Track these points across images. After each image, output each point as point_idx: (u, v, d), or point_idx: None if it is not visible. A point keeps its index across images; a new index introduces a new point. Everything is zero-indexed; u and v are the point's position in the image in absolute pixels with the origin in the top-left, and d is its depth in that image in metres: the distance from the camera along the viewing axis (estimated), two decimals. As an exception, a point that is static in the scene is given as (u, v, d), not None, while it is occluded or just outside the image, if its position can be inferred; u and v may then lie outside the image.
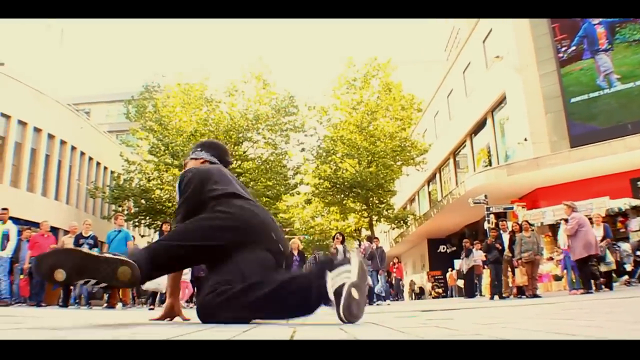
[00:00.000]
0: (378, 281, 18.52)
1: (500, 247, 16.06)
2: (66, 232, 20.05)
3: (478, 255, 19.76)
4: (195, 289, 17.54)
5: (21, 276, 16.87)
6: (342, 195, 33.20)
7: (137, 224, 33.66)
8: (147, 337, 1.98)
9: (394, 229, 38.36)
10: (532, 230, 15.53)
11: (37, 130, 31.79)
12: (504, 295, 15.69)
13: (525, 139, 24.05)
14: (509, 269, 16.04)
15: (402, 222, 35.26)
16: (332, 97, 34.35)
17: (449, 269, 33.20)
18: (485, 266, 18.89)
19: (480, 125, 30.60)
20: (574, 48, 23.92)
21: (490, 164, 28.52)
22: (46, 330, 2.55)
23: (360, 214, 34.78)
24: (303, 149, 34.42)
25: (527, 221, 16.23)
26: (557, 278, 20.42)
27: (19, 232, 15.75)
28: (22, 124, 30.61)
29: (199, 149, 4.33)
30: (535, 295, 14.09)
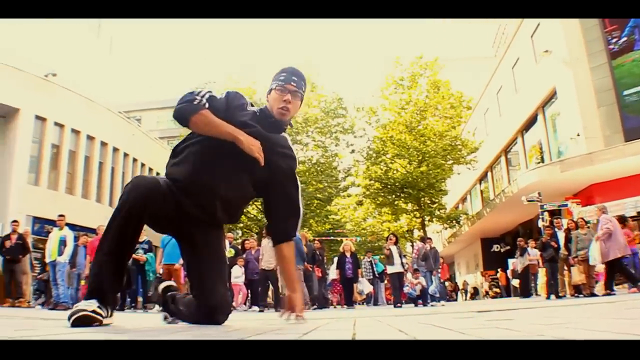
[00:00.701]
0: (432, 282, 18.45)
1: (556, 245, 15.83)
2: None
3: (533, 254, 19.50)
4: (250, 291, 17.74)
5: (82, 282, 17.27)
6: (394, 196, 33.13)
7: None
8: (151, 337, 2.00)
9: (446, 228, 38.12)
10: (588, 227, 15.24)
11: (90, 138, 32.42)
12: (560, 294, 15.47)
13: (578, 134, 23.63)
14: (565, 268, 15.82)
15: (454, 221, 35.04)
16: (381, 98, 34.30)
17: (499, 269, 32.75)
18: (540, 265, 18.61)
19: (531, 122, 30.17)
20: (625, 39, 23.40)
21: (542, 160, 28.11)
22: (102, 333, 2.63)
23: (412, 214, 34.63)
24: (353, 151, 34.46)
25: (582, 218, 15.99)
26: (615, 275, 20.08)
27: (75, 238, 16.12)
28: (76, 132, 31.25)
29: None
30: (592, 294, 13.88)
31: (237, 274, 16.75)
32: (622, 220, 17.45)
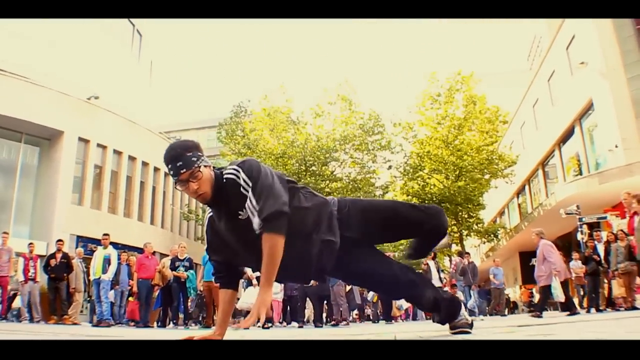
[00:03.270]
0: (471, 296, 18.29)
1: (598, 259, 15.60)
2: (164, 255, 20.62)
3: (576, 267, 19.22)
4: (289, 307, 17.74)
5: (130, 299, 17.47)
6: (431, 211, 32.96)
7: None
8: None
9: (484, 242, 37.82)
10: (628, 239, 15.02)
11: (131, 158, 32.92)
12: (600, 307, 15.22)
13: (616, 146, 23.31)
14: (605, 281, 15.59)
15: (492, 235, 34.77)
16: (417, 113, 34.20)
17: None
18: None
19: (568, 134, 29.85)
20: (661, 48, 23.15)
21: (580, 173, 27.77)
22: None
23: (450, 229, 34.43)
24: (390, 167, 34.36)
25: (622, 230, 15.71)
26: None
27: (119, 256, 16.31)
28: (118, 153, 31.77)
29: (199, 155, 3.42)
30: (634, 307, 13.63)
31: (276, 290, 16.78)
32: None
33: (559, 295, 13.48)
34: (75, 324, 15.23)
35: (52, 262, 15.50)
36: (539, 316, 12.55)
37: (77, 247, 23.11)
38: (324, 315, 17.99)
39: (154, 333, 7.29)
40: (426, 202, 32.07)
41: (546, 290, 13.56)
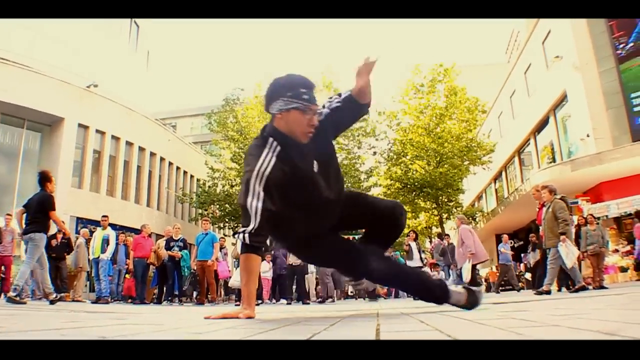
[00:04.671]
0: (450, 276, 18.44)
1: (567, 241, 15.77)
2: (160, 236, 20.66)
3: (533, 258, 19.44)
4: (278, 285, 17.85)
5: (127, 276, 17.55)
6: (413, 195, 33.03)
7: (221, 227, 34.38)
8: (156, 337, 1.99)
9: (463, 225, 37.96)
10: (597, 223, 15.23)
11: (129, 144, 32.82)
12: (571, 287, 15.41)
13: (588, 135, 23.50)
14: (576, 262, 15.77)
15: (470, 218, 34.92)
16: (401, 102, 34.22)
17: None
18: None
19: (543, 124, 30.00)
20: (631, 44, 23.25)
21: (554, 160, 27.92)
22: (147, 325, 2.70)
23: (430, 212, 34.54)
24: (375, 153, 34.50)
25: (592, 215, 15.91)
26: (623, 269, 19.93)
27: (117, 237, 16.38)
28: (116, 138, 31.67)
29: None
30: (601, 287, 13.82)
31: (265, 269, 16.90)
32: (639, 215, 17.44)
33: (466, 275, 13.85)
34: (78, 300, 15.31)
35: (53, 242, 15.50)
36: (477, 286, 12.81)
37: (76, 228, 23.13)
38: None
39: (151, 309, 7.38)
40: (408, 186, 32.26)
41: (472, 270, 13.96)
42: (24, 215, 9.92)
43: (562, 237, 10.12)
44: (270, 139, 3.38)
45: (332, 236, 3.76)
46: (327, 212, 3.58)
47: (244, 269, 3.37)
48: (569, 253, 10.15)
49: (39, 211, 9.64)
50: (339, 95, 3.71)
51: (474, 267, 14.42)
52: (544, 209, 11.01)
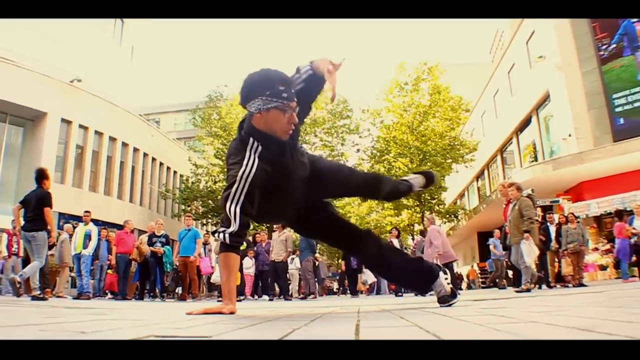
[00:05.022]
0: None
1: (544, 239, 15.87)
2: (142, 232, 20.55)
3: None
4: (260, 281, 17.82)
5: (109, 271, 17.43)
6: (396, 193, 33.11)
7: (204, 223, 34.33)
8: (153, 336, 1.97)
9: (445, 223, 38.10)
10: (578, 222, 15.33)
11: (112, 139, 32.67)
12: (551, 284, 15.50)
13: (570, 135, 23.65)
14: (556, 260, 15.88)
15: (452, 216, 35.08)
16: (385, 100, 34.27)
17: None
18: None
19: (525, 123, 30.16)
20: (614, 46, 23.43)
21: (536, 159, 28.07)
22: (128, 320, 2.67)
23: (413, 209, 34.60)
24: (358, 150, 34.59)
25: (572, 213, 16.02)
26: (603, 268, 20.09)
27: (99, 233, 16.26)
28: (99, 134, 31.51)
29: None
30: (581, 284, 13.91)
31: (248, 265, 16.86)
32: (618, 214, 17.63)
33: None
34: (60, 296, 15.17)
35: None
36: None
37: (59, 224, 22.94)
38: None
39: (132, 305, 7.31)
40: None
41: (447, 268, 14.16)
42: (21, 211, 10.16)
43: (525, 235, 10.18)
44: (251, 139, 3.38)
45: (328, 212, 3.97)
46: (308, 192, 3.72)
47: (224, 266, 3.41)
48: (530, 251, 10.23)
49: (38, 208, 9.94)
50: (298, 71, 3.68)
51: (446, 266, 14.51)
52: (511, 206, 11.08)
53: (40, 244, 9.87)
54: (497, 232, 20.69)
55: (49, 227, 10.01)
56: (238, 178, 3.22)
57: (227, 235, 3.24)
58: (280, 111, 3.33)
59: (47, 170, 10.70)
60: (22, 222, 10.07)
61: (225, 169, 3.52)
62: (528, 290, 10.29)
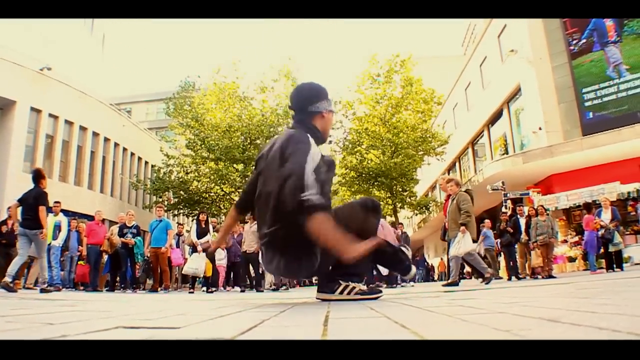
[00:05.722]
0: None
1: (512, 231, 16.02)
2: (113, 222, 20.34)
3: (489, 235, 19.65)
4: (232, 272, 17.75)
5: (81, 262, 17.21)
6: (368, 184, 33.18)
7: (176, 213, 34.11)
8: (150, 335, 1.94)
9: (416, 214, 38.36)
10: (547, 214, 15.46)
11: (82, 128, 32.27)
12: (520, 276, 15.64)
13: (540, 128, 23.89)
14: (526, 252, 16.05)
15: (424, 208, 35.23)
16: (357, 92, 34.26)
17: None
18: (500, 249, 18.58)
19: (496, 116, 30.41)
20: (584, 41, 23.71)
21: (506, 152, 28.33)
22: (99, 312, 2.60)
23: (384, 201, 34.72)
24: (330, 142, 34.50)
25: (542, 206, 16.15)
26: (571, 259, 20.30)
27: (69, 223, 16.05)
28: (69, 123, 31.09)
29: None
30: (550, 276, 14.04)
31: (220, 257, 16.75)
32: (587, 207, 17.80)
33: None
34: (29, 288, 14.96)
35: (4, 228, 15.13)
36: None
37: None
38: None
39: (103, 297, 7.21)
40: (363, 175, 32.38)
41: None
42: (19, 209, 10.68)
43: (462, 227, 10.32)
44: (308, 135, 3.69)
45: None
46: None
47: (331, 227, 3.29)
48: (461, 245, 10.36)
49: (35, 206, 10.38)
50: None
51: None
52: (450, 201, 11.21)
53: (41, 241, 10.45)
54: (488, 222, 20.82)
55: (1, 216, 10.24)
56: (310, 157, 3.49)
57: (315, 198, 3.25)
58: (333, 115, 3.78)
59: (43, 171, 11.29)
60: (20, 219, 10.62)
61: (289, 151, 3.53)
62: (490, 277, 10.45)
